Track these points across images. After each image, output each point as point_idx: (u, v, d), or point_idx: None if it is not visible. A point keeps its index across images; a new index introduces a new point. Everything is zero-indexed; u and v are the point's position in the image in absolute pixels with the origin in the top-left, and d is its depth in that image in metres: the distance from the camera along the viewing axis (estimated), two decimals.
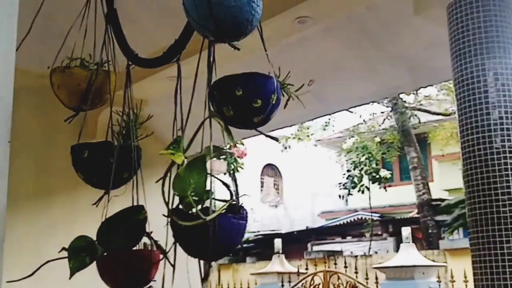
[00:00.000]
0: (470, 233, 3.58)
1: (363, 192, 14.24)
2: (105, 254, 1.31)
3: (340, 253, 13.96)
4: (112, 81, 1.53)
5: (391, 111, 14.74)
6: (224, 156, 8.95)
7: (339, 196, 16.53)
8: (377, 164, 14.30)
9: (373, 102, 11.65)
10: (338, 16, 4.76)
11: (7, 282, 1.39)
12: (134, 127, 1.46)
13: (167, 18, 4.26)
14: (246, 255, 15.68)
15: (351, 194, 14.73)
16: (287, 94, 1.34)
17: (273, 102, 1.25)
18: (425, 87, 11.11)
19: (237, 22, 1.19)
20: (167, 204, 1.19)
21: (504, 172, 3.42)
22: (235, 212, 1.20)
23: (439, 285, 7.37)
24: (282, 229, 19.56)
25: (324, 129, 17.41)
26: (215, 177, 1.20)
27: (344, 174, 14.82)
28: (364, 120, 15.86)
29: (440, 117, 15.87)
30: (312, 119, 12.06)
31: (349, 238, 16.89)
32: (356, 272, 7.87)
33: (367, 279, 7.75)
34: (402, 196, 18.30)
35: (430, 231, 13.21)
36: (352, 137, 14.30)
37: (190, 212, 1.20)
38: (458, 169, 15.35)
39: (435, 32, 4.45)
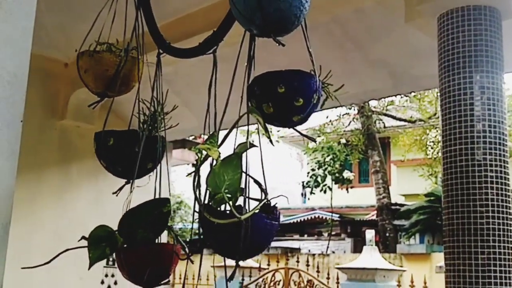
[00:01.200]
0: (445, 242, 3.62)
1: (325, 191, 14.37)
2: (125, 246, 1.26)
3: (297, 250, 14.05)
4: (141, 69, 1.47)
5: (357, 113, 14.90)
6: (195, 147, 8.86)
7: (301, 195, 16.64)
8: (340, 165, 14.44)
9: (351, 104, 11.76)
10: (323, 17, 4.75)
11: (22, 268, 1.33)
12: (161, 117, 1.41)
13: None
14: (203, 247, 15.61)
15: (314, 193, 14.83)
16: (326, 94, 1.31)
17: (314, 101, 1.23)
18: (406, 94, 11.27)
19: (285, 17, 1.16)
20: (198, 200, 1.15)
21: (484, 184, 3.48)
22: (269, 212, 1.17)
23: None
24: None
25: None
26: (249, 175, 1.16)
27: (308, 172, 14.92)
28: (330, 121, 15.98)
29: (403, 123, 16.14)
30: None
31: (306, 236, 17.02)
32: (318, 271, 7.92)
33: (328, 278, 7.83)
34: (360, 198, 18.56)
35: (387, 234, 13.43)
36: (319, 136, 14.40)
37: (220, 209, 1.16)
38: (416, 175, 15.71)
39: (420, 41, 4.49)
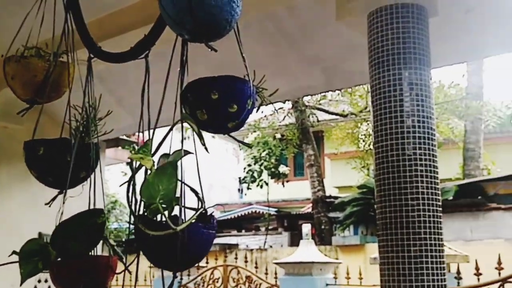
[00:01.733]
0: (379, 235, 3.70)
1: (261, 186, 14.46)
2: (59, 259, 1.21)
3: (235, 246, 14.08)
4: (71, 74, 1.41)
5: (291, 108, 15.06)
6: (130, 146, 8.71)
7: (238, 190, 16.68)
8: (276, 160, 14.57)
9: (285, 100, 11.85)
10: (257, 14, 4.76)
11: None
12: (94, 124, 1.35)
13: None
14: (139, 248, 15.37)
15: (250, 188, 14.90)
16: (261, 98, 1.30)
17: (249, 107, 1.21)
18: (339, 89, 11.47)
19: (216, 22, 1.14)
20: (132, 211, 1.12)
21: (414, 178, 3.58)
22: (205, 221, 1.15)
23: (335, 281, 7.64)
24: None
25: None
26: (185, 184, 1.13)
27: (245, 168, 14.95)
28: (265, 116, 16.08)
29: (336, 117, 16.45)
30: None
31: (243, 231, 17.07)
32: (256, 267, 7.96)
33: (266, 274, 7.87)
34: (296, 191, 18.80)
35: (323, 227, 13.66)
36: (254, 131, 14.46)
37: (155, 219, 1.13)
38: (349, 168, 16.05)
39: (352, 37, 4.56)
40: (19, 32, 1.45)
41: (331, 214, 13.71)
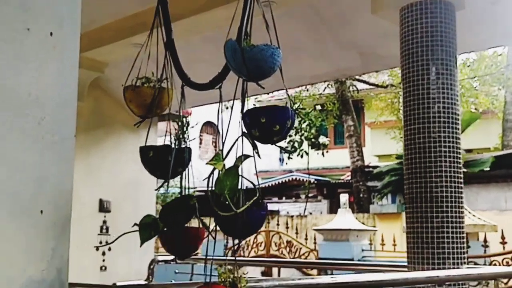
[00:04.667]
0: (407, 208, 4.19)
1: (302, 156, 14.97)
2: (165, 229, 1.77)
3: (277, 212, 14.71)
4: (170, 96, 1.96)
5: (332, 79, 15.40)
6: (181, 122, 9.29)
7: (279, 160, 17.21)
8: (316, 131, 15.02)
9: (324, 81, 12.26)
10: (300, 3, 5.20)
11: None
12: (185, 133, 1.90)
13: None
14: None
15: (291, 158, 15.44)
16: (298, 115, 1.77)
17: (288, 126, 1.72)
18: (375, 71, 11.79)
19: (263, 70, 1.66)
20: (211, 198, 1.66)
21: (438, 158, 4.04)
22: (259, 205, 1.68)
23: (370, 247, 8.17)
24: None
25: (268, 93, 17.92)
26: (244, 177, 1.67)
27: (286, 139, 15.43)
28: (306, 87, 16.47)
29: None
30: (267, 93, 12.57)
31: (284, 198, 17.69)
32: (297, 232, 8.54)
33: (306, 239, 8.45)
34: (336, 159, 19.26)
35: (361, 195, 14.12)
36: (295, 103, 14.91)
37: (225, 204, 1.67)
38: (389, 137, 16.30)
39: (386, 26, 4.97)
40: (132, 68, 2.00)
41: (370, 183, 14.15)
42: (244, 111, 1.77)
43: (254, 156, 1.75)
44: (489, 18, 4.89)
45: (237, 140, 1.78)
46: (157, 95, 1.91)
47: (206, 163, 1.74)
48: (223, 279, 1.61)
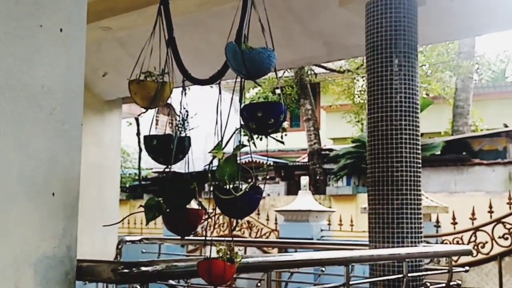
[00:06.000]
0: (369, 191, 4.46)
1: (261, 139, 15.17)
2: (168, 210, 1.97)
3: None
4: (171, 89, 2.15)
5: None
6: None
7: (239, 142, 17.34)
8: None
9: (289, 68, 12.50)
10: None
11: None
12: (186, 123, 2.10)
13: None
14: (143, 192, 16.24)
15: (250, 140, 15.65)
16: (288, 108, 1.95)
17: (281, 119, 1.94)
18: (339, 60, 12.10)
19: (260, 70, 1.88)
20: (212, 183, 1.86)
21: (399, 145, 4.32)
22: (254, 190, 1.90)
23: (329, 228, 8.52)
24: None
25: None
26: (242, 165, 1.89)
27: None
28: None
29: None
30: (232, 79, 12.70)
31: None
32: (258, 213, 8.80)
33: (267, 219, 8.73)
34: (292, 142, 19.60)
35: (318, 177, 14.51)
36: (255, 87, 15.12)
37: (225, 188, 1.88)
38: (344, 121, 16.71)
39: (352, 18, 5.21)
40: (137, 63, 2.18)
41: (326, 166, 14.54)
42: (242, 106, 1.98)
43: (250, 146, 1.97)
44: (448, 13, 5.19)
45: (236, 130, 2.00)
46: (160, 89, 2.10)
47: (209, 152, 1.94)
48: (221, 255, 1.84)
